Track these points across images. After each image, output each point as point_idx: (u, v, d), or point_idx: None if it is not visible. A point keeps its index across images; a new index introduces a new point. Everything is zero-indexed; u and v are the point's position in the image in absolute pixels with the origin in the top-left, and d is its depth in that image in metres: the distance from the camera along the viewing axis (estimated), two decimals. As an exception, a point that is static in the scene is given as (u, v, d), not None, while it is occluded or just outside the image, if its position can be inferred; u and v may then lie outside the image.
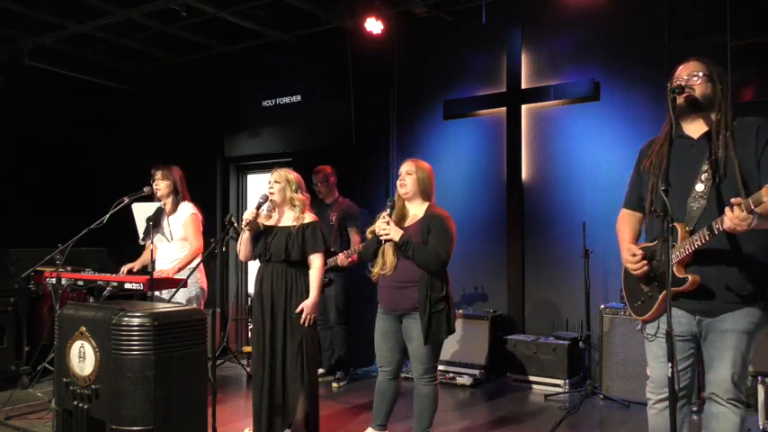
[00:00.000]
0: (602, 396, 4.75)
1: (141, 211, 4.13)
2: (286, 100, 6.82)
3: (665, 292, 2.31)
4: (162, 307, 3.08)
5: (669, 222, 2.21)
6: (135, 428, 2.73)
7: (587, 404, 4.70)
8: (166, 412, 2.78)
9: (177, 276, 4.17)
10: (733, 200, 2.16)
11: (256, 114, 7.03)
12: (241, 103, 7.14)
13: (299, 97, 6.74)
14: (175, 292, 4.08)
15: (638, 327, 2.66)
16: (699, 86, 2.46)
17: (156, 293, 4.04)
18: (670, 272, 2.25)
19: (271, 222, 3.77)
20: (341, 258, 5.02)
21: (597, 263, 5.02)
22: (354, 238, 5.28)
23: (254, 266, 4.04)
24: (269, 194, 3.73)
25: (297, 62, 6.70)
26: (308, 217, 3.72)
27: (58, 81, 6.98)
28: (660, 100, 4.84)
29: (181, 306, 3.49)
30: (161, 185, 4.40)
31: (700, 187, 2.42)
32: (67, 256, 4.20)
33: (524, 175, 5.63)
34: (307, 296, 3.63)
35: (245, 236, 3.72)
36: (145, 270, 4.28)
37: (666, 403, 2.36)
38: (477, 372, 5.31)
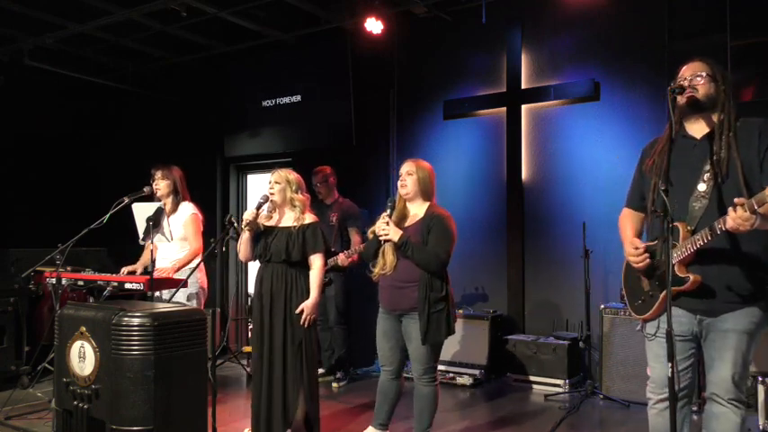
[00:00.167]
0: (602, 396, 4.75)
1: (141, 211, 4.13)
2: (286, 100, 6.82)
3: (665, 291, 2.31)
4: (162, 307, 3.08)
5: (669, 222, 2.21)
6: (135, 428, 2.73)
7: (587, 404, 4.69)
8: (166, 412, 2.78)
9: (177, 276, 4.17)
10: (736, 200, 2.16)
11: (256, 114, 7.02)
12: (241, 103, 7.13)
13: (299, 97, 6.74)
14: (175, 292, 4.08)
15: (639, 326, 2.66)
16: (702, 87, 2.46)
17: (157, 294, 4.04)
18: (670, 271, 2.25)
19: (271, 223, 3.77)
20: (341, 258, 5.02)
21: (597, 263, 5.02)
22: (355, 238, 5.28)
23: (254, 266, 4.03)
24: (269, 195, 3.72)
25: (297, 62, 6.69)
26: (309, 217, 3.72)
27: (58, 81, 6.98)
28: (660, 100, 4.85)
29: (181, 306, 3.48)
30: (161, 185, 4.40)
31: (702, 187, 2.42)
32: (67, 256, 4.19)
33: (524, 175, 5.63)
34: (307, 296, 3.63)
35: (245, 236, 3.72)
36: (145, 271, 4.28)
37: (667, 403, 2.35)
38: (477, 372, 5.31)
